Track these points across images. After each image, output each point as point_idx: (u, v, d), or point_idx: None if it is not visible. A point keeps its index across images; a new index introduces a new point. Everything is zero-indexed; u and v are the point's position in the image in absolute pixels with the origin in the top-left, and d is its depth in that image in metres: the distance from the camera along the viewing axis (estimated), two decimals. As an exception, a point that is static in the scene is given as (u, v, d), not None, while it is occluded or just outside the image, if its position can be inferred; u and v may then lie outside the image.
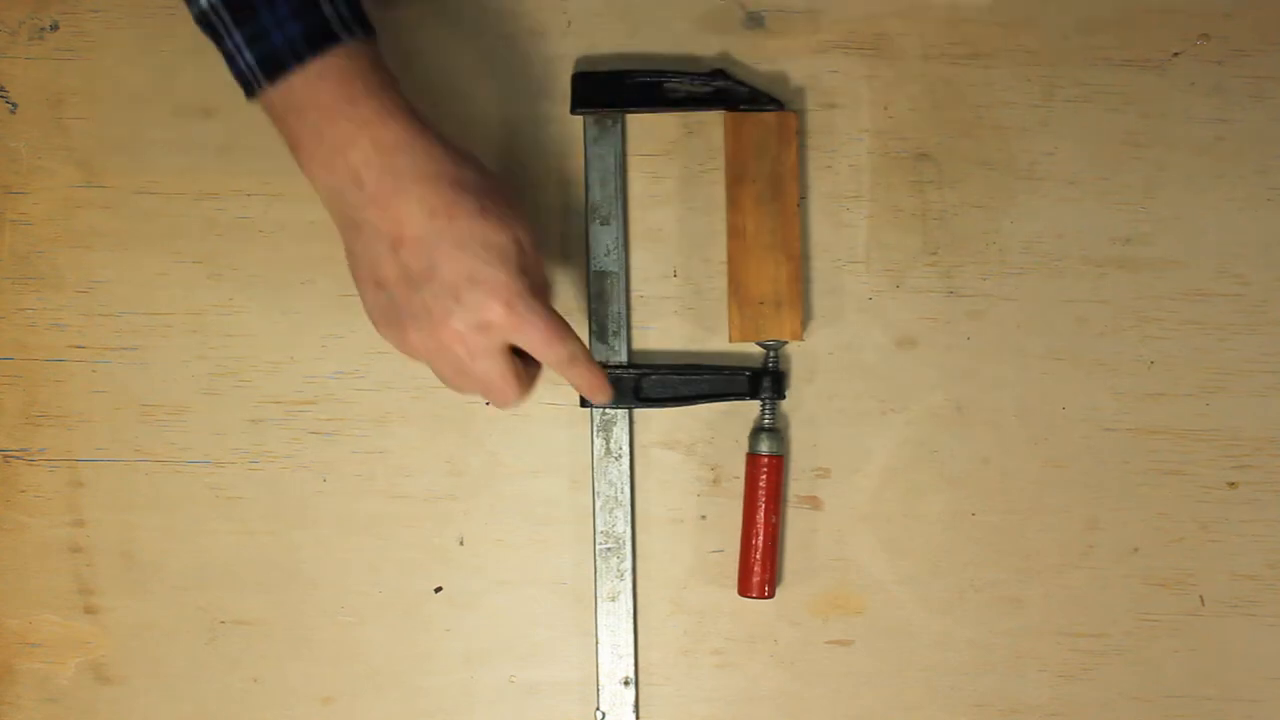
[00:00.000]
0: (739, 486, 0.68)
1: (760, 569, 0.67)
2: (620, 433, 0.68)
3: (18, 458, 0.69)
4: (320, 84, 0.52)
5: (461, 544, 0.69)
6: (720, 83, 0.67)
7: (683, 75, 0.67)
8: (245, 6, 0.52)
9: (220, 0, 0.52)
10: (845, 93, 0.69)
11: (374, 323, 0.57)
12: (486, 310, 0.54)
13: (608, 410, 0.68)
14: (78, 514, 0.69)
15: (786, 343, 0.68)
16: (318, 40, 0.52)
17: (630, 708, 0.68)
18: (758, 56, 0.69)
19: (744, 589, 0.67)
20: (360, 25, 0.54)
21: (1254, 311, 0.69)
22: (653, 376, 0.68)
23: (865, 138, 0.69)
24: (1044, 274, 0.69)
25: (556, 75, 0.68)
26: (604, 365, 0.67)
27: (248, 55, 0.52)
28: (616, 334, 0.68)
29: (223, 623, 0.69)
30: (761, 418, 0.68)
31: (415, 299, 0.54)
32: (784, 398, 0.68)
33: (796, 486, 0.69)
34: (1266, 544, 0.69)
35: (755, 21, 0.69)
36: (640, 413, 0.69)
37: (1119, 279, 0.69)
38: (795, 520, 0.69)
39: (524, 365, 0.57)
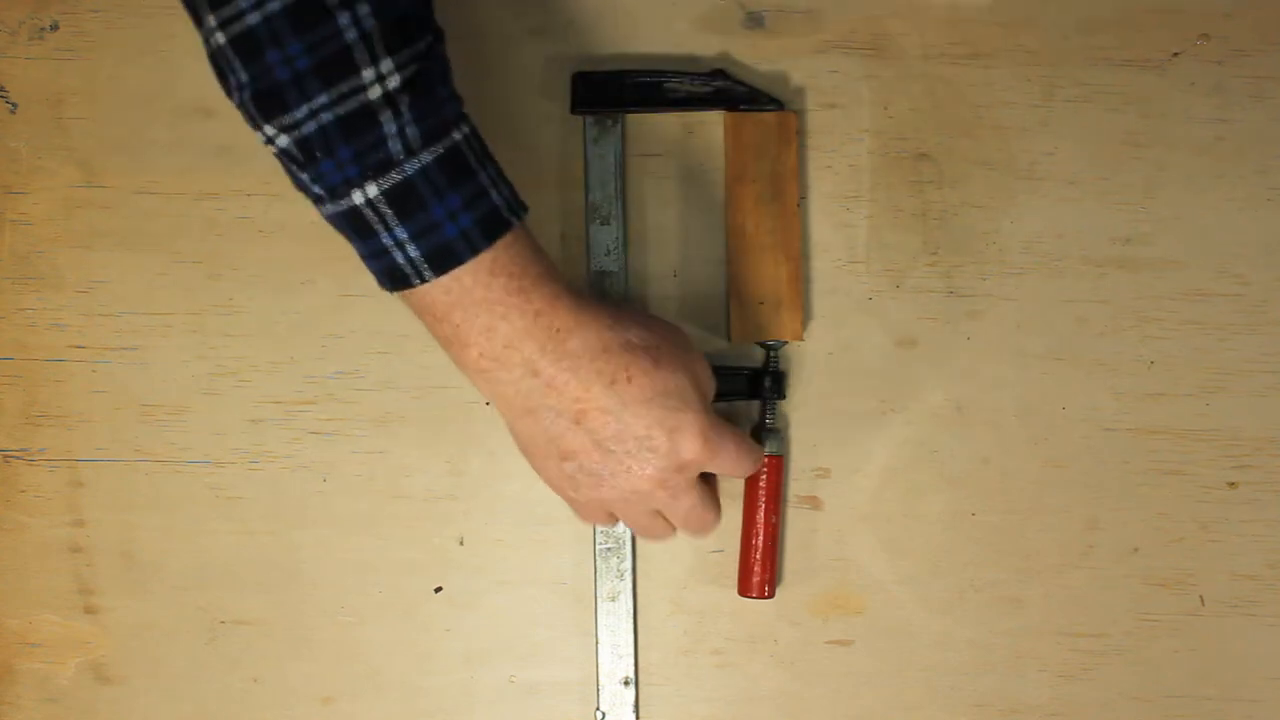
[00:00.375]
0: (739, 486, 0.68)
1: (760, 569, 0.67)
2: (620, 433, 0.68)
3: (18, 458, 0.69)
4: (492, 278, 0.51)
5: (461, 544, 0.69)
6: (720, 83, 0.67)
7: (683, 75, 0.67)
8: (413, 200, 0.49)
9: (383, 195, 0.48)
10: (845, 93, 0.69)
11: (559, 490, 0.58)
12: (684, 450, 0.56)
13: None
14: (78, 514, 0.69)
15: (786, 343, 0.68)
16: (491, 229, 0.50)
17: (630, 708, 0.68)
18: (758, 56, 0.69)
19: (744, 589, 0.67)
20: (521, 207, 0.53)
21: (1254, 311, 0.69)
22: (653, 376, 0.68)
23: (865, 138, 0.69)
24: (1044, 274, 0.69)
25: (556, 75, 0.68)
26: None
27: (412, 250, 0.50)
28: (616, 334, 0.68)
29: (223, 623, 0.69)
30: (761, 418, 0.68)
31: (610, 460, 0.55)
32: (784, 398, 0.68)
33: (796, 486, 0.69)
34: (1266, 544, 0.69)
35: (755, 21, 0.69)
36: (640, 413, 0.69)
37: (1119, 279, 0.69)
38: (795, 520, 0.69)
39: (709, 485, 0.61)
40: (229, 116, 0.68)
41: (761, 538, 0.67)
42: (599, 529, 0.68)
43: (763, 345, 0.68)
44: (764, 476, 0.67)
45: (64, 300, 0.69)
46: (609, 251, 0.68)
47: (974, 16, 0.69)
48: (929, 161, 0.69)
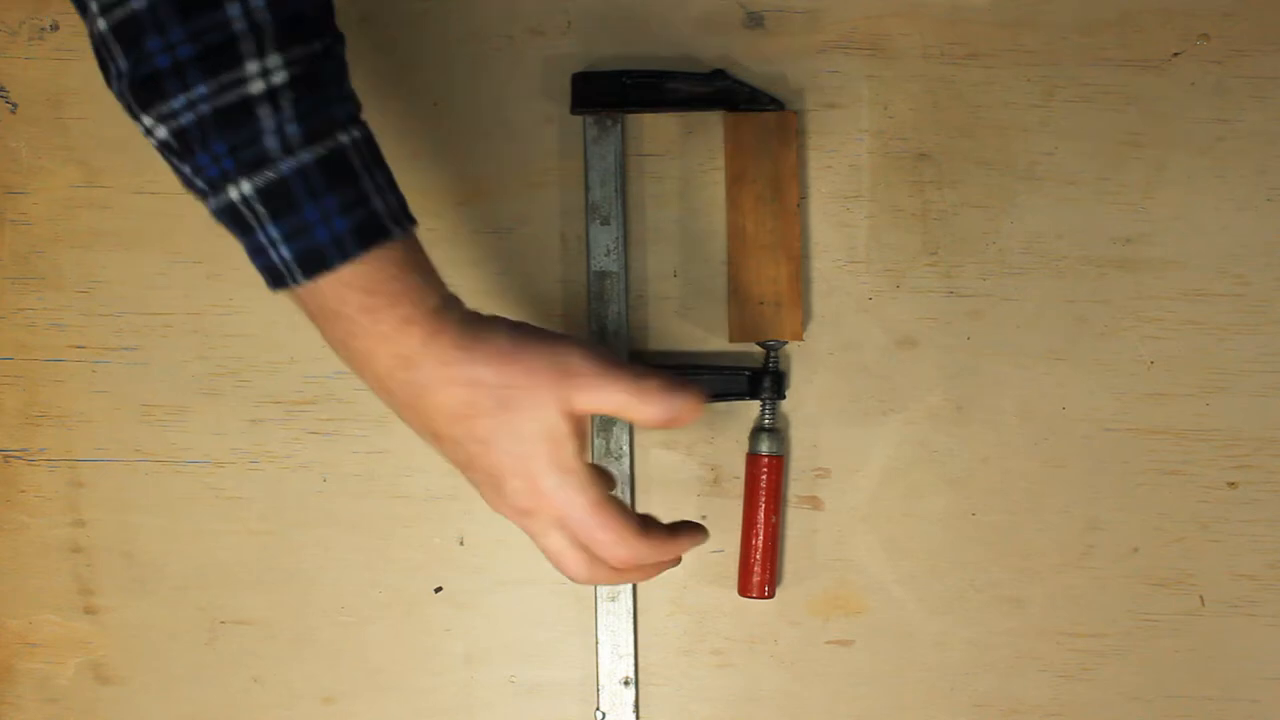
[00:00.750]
0: (739, 486, 0.68)
1: (760, 569, 0.67)
2: (620, 433, 0.68)
3: (18, 458, 0.69)
4: (347, 291, 0.49)
5: (461, 544, 0.69)
6: (720, 83, 0.67)
7: (683, 75, 0.67)
8: (286, 200, 0.47)
9: (257, 192, 0.47)
10: (845, 93, 0.69)
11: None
12: (525, 500, 0.53)
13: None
14: (78, 514, 0.69)
15: (786, 343, 0.68)
16: (367, 236, 0.48)
17: (630, 708, 0.68)
18: (758, 56, 0.69)
19: (744, 589, 0.67)
20: (408, 218, 0.51)
21: (1254, 311, 0.69)
22: (653, 376, 0.68)
23: (865, 138, 0.69)
24: (1044, 274, 0.69)
25: (556, 75, 0.68)
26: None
27: (284, 250, 0.48)
28: (616, 334, 0.68)
29: (223, 623, 0.69)
30: (761, 418, 0.68)
31: (479, 459, 0.53)
32: (784, 398, 0.68)
33: (796, 486, 0.69)
34: (1266, 544, 0.69)
35: (755, 21, 0.69)
36: (640, 413, 0.69)
37: (1119, 279, 0.69)
38: (795, 520, 0.69)
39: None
40: (229, 116, 0.68)
41: (761, 538, 0.67)
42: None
43: (762, 345, 0.68)
44: (764, 476, 0.67)
45: (64, 300, 0.69)
46: (609, 251, 0.68)
47: (974, 16, 0.69)
48: (929, 161, 0.69)
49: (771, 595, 0.67)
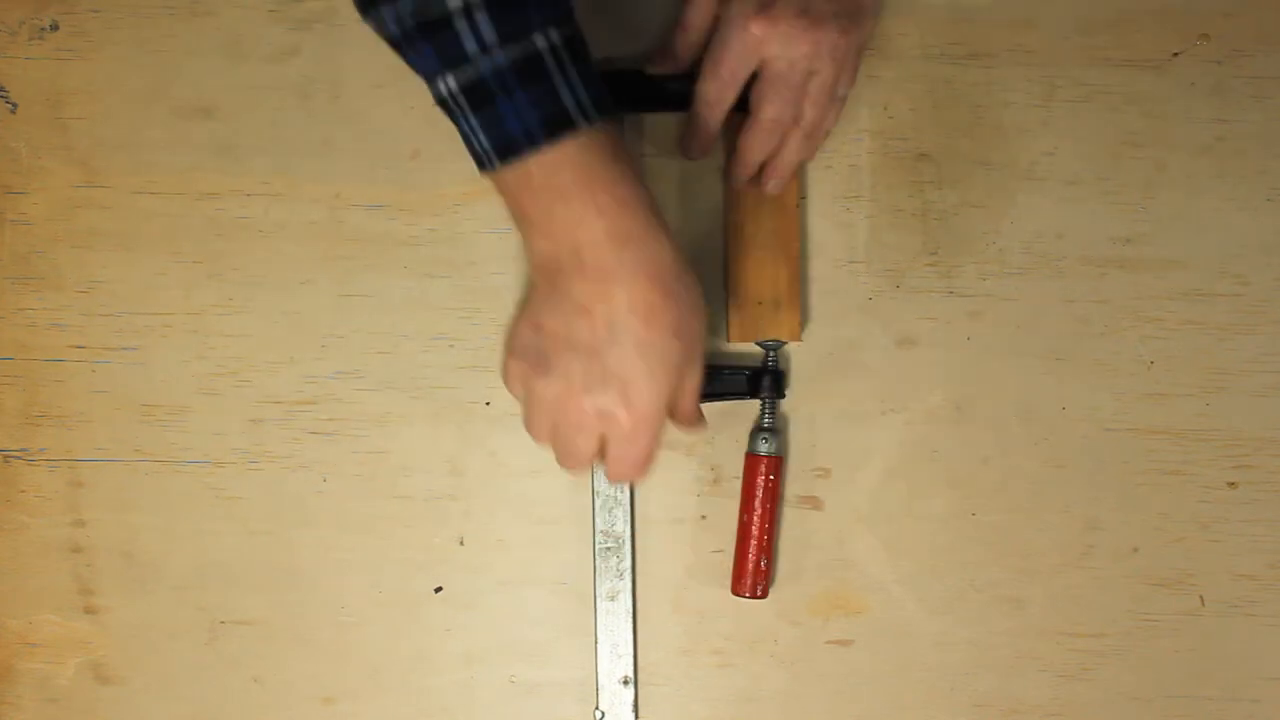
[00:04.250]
0: (739, 486, 0.68)
1: (754, 569, 0.67)
2: (620, 433, 0.68)
3: (18, 458, 0.69)
4: (557, 170, 0.53)
5: (461, 544, 0.69)
6: (720, 83, 0.67)
7: (683, 75, 0.67)
8: (483, 95, 0.52)
9: (459, 89, 0.53)
10: (845, 93, 0.69)
11: (508, 347, 0.59)
12: (619, 412, 0.56)
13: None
14: (78, 514, 0.69)
15: (786, 343, 0.68)
16: (555, 127, 0.53)
17: (630, 707, 0.68)
18: (758, 56, 0.69)
19: (737, 588, 0.67)
20: (600, 110, 0.54)
21: (1254, 311, 0.69)
22: (653, 376, 0.67)
23: (865, 138, 0.69)
24: (1044, 274, 0.69)
25: (556, 75, 0.68)
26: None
27: (483, 139, 0.54)
28: (616, 334, 0.68)
29: (223, 623, 0.69)
30: (761, 418, 0.68)
31: (565, 359, 0.56)
32: (784, 398, 0.68)
33: (796, 486, 0.69)
34: (1266, 544, 0.69)
35: (755, 21, 0.69)
36: (640, 413, 0.69)
37: (1119, 279, 0.69)
38: (795, 520, 0.69)
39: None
40: (229, 116, 0.68)
41: (755, 538, 0.67)
42: (599, 530, 0.68)
43: (762, 345, 0.68)
44: (764, 476, 0.67)
45: (64, 300, 0.69)
46: (609, 251, 0.68)
47: (974, 16, 0.69)
48: (929, 161, 0.69)
49: (764, 595, 0.67)
